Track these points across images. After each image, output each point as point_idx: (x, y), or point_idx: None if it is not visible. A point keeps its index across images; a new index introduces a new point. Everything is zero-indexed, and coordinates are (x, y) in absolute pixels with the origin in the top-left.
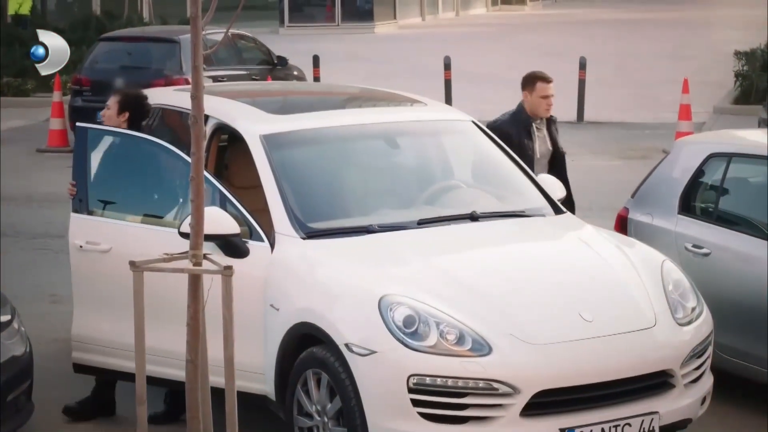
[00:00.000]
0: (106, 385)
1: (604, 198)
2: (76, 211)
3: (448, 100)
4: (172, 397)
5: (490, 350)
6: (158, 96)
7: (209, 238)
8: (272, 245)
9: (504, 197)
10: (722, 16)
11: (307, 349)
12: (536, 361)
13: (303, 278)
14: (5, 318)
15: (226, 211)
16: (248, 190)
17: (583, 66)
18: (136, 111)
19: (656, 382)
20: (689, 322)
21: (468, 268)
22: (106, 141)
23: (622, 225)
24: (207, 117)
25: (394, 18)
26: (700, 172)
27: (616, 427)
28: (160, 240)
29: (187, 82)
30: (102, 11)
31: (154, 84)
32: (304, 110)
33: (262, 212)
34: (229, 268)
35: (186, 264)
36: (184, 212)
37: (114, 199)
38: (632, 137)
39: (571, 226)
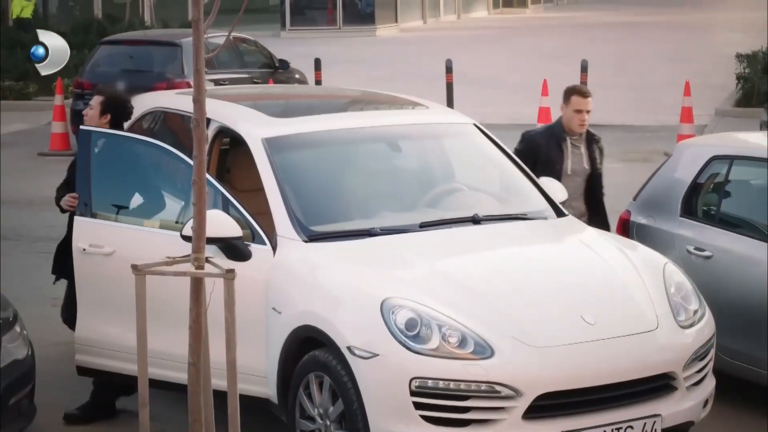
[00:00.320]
0: (105, 388)
1: (606, 201)
2: (80, 214)
3: (450, 103)
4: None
5: (492, 353)
6: (160, 99)
7: (211, 241)
8: (274, 248)
9: (506, 200)
10: (723, 18)
11: (310, 352)
12: (538, 364)
13: (305, 281)
14: (7, 321)
15: (228, 214)
16: (250, 194)
17: (584, 69)
18: (119, 113)
19: (658, 385)
20: (691, 325)
21: (470, 271)
22: (110, 144)
23: (624, 228)
24: (209, 120)
25: (396, 21)
26: (701, 174)
27: (618, 429)
28: (163, 243)
29: (189, 86)
30: (103, 14)
31: (155, 87)
32: (305, 113)
33: (264, 215)
34: (231, 271)
35: (188, 267)
36: (186, 215)
37: (117, 202)
38: (634, 140)
39: (573, 228)
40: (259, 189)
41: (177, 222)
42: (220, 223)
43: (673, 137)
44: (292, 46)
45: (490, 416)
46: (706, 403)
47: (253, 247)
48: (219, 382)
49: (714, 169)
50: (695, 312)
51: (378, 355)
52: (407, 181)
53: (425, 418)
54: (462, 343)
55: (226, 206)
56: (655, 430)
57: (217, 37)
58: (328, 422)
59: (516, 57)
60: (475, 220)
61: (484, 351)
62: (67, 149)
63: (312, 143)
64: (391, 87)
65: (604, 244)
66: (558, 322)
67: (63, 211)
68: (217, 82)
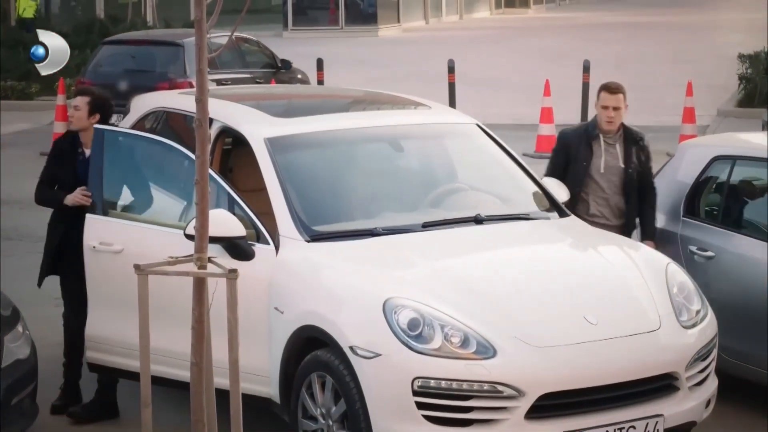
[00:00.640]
0: (108, 387)
1: None
2: (91, 211)
3: (452, 103)
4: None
5: (494, 353)
6: (162, 99)
7: (214, 240)
8: (277, 248)
9: (508, 200)
10: (725, 19)
11: (312, 352)
12: (541, 364)
13: (307, 281)
14: (9, 320)
15: (234, 213)
16: (252, 194)
17: (586, 69)
18: (105, 113)
19: (661, 385)
20: (694, 325)
21: (472, 271)
22: (122, 143)
23: None
24: (211, 120)
25: (398, 21)
26: (704, 175)
27: (620, 429)
28: (171, 241)
29: (191, 86)
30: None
31: (158, 87)
32: (308, 113)
33: (266, 215)
34: (233, 271)
35: (191, 267)
36: (192, 214)
37: (127, 200)
38: None
39: (576, 229)
40: (262, 189)
41: (184, 220)
42: (224, 223)
43: (676, 138)
44: (295, 46)
45: (492, 416)
46: (708, 403)
47: (257, 247)
48: (222, 381)
49: (716, 169)
50: (697, 312)
51: (380, 354)
52: (410, 181)
53: (428, 417)
54: (464, 343)
55: (232, 205)
56: (658, 430)
57: (220, 37)
58: (330, 422)
59: (518, 57)
60: (478, 220)
61: (486, 351)
62: None
63: (314, 143)
64: (393, 87)
65: (607, 244)
66: (560, 322)
67: (56, 206)
68: (219, 82)
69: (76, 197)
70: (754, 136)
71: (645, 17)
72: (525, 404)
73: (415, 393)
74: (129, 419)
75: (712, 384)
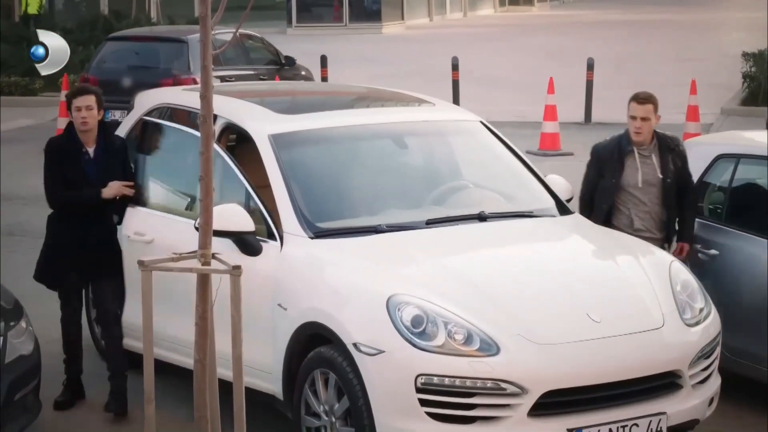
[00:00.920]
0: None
1: None
2: (130, 203)
3: (456, 101)
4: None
5: (498, 350)
6: (166, 96)
7: (222, 234)
8: (281, 244)
9: (512, 197)
10: (728, 18)
11: (315, 348)
12: (544, 362)
13: (311, 278)
14: (12, 316)
15: (249, 208)
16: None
17: (590, 67)
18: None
19: (664, 383)
20: (697, 323)
21: (476, 269)
22: (160, 135)
23: None
24: (215, 117)
25: (402, 18)
26: (708, 173)
27: (623, 427)
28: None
29: (195, 82)
30: (110, 11)
31: (161, 83)
32: (312, 110)
33: (270, 212)
34: (237, 267)
35: (194, 263)
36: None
37: (159, 191)
38: None
39: (579, 226)
40: (266, 185)
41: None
42: (234, 217)
43: (679, 136)
44: (299, 43)
45: (495, 413)
46: (711, 401)
47: (266, 243)
48: (227, 372)
49: (720, 167)
50: (701, 310)
51: (384, 351)
52: (413, 178)
53: (431, 414)
54: (468, 340)
55: (248, 200)
56: (661, 428)
57: (224, 33)
58: (333, 419)
59: (522, 55)
60: (482, 218)
61: (489, 348)
62: None
63: (318, 140)
64: (397, 84)
65: (610, 242)
66: (564, 319)
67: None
68: (223, 79)
69: (118, 189)
70: (757, 134)
71: (649, 15)
72: (528, 401)
73: (419, 390)
74: (133, 415)
75: (716, 382)
